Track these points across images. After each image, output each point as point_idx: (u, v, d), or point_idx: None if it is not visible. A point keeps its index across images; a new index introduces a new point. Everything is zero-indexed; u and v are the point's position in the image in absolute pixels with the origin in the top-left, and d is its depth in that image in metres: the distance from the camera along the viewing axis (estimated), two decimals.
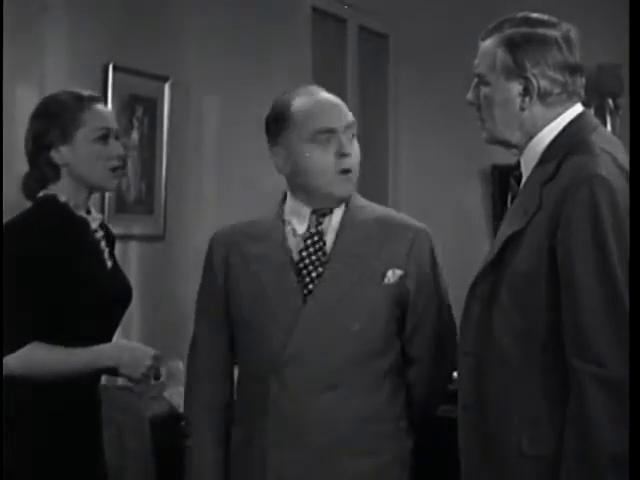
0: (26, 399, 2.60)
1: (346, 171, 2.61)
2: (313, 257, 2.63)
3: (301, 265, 2.62)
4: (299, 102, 2.63)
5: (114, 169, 2.74)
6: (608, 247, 2.12)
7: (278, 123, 2.64)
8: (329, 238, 2.65)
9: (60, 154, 2.71)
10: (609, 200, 2.13)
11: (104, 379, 2.86)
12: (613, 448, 2.08)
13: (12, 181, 3.46)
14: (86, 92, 2.78)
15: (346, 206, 2.68)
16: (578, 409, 2.12)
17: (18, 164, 3.46)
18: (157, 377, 2.71)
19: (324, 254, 2.63)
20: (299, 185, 2.64)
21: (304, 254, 2.63)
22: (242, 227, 2.72)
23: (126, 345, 2.73)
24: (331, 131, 2.60)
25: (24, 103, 3.65)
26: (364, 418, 2.60)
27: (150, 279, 4.06)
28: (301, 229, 2.66)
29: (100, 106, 2.76)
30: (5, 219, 2.77)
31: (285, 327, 2.58)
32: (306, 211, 2.65)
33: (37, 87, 3.72)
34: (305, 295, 2.60)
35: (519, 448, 2.21)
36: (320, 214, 2.66)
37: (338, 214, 2.67)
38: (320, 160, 2.59)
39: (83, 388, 2.67)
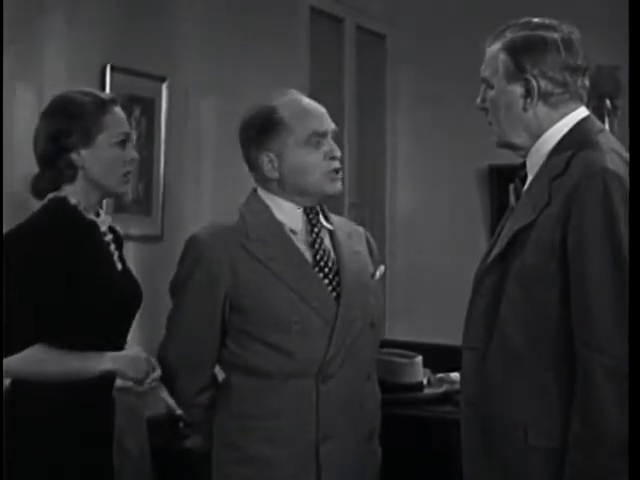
0: (40, 403, 2.59)
1: (336, 170, 2.73)
2: (325, 255, 2.72)
3: (322, 264, 2.71)
4: (287, 107, 2.72)
5: (126, 174, 2.73)
6: (620, 239, 2.15)
7: (265, 130, 2.71)
8: (323, 236, 2.76)
9: (80, 157, 2.67)
10: (621, 193, 2.17)
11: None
12: (619, 434, 2.11)
13: (12, 181, 3.47)
14: (106, 95, 2.76)
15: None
16: (584, 396, 2.16)
17: (18, 164, 3.47)
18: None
19: (327, 251, 2.73)
20: (289, 186, 2.72)
21: (319, 253, 2.72)
22: (235, 229, 2.72)
23: (119, 352, 2.70)
24: (323, 134, 2.71)
25: (23, 103, 3.66)
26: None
27: (148, 280, 4.06)
28: (296, 227, 2.73)
29: (119, 109, 2.73)
30: (5, 219, 2.77)
31: (324, 323, 2.66)
32: (297, 211, 2.74)
33: (36, 87, 3.72)
34: (331, 291, 2.70)
35: (525, 440, 2.24)
36: (312, 213, 2.75)
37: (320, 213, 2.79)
38: (314, 161, 2.70)
39: (96, 393, 2.65)
